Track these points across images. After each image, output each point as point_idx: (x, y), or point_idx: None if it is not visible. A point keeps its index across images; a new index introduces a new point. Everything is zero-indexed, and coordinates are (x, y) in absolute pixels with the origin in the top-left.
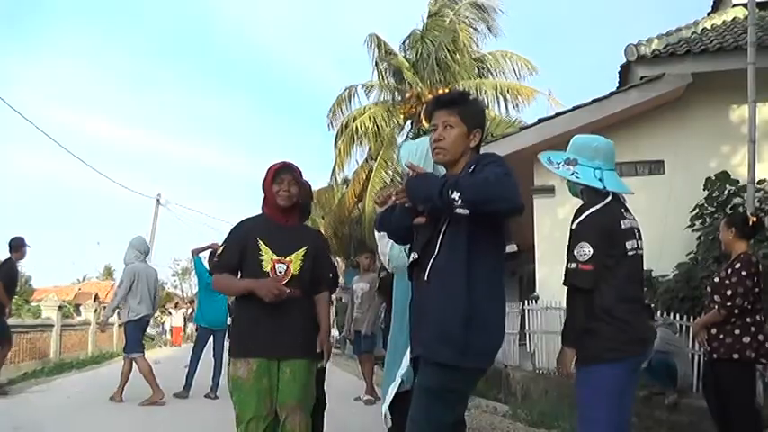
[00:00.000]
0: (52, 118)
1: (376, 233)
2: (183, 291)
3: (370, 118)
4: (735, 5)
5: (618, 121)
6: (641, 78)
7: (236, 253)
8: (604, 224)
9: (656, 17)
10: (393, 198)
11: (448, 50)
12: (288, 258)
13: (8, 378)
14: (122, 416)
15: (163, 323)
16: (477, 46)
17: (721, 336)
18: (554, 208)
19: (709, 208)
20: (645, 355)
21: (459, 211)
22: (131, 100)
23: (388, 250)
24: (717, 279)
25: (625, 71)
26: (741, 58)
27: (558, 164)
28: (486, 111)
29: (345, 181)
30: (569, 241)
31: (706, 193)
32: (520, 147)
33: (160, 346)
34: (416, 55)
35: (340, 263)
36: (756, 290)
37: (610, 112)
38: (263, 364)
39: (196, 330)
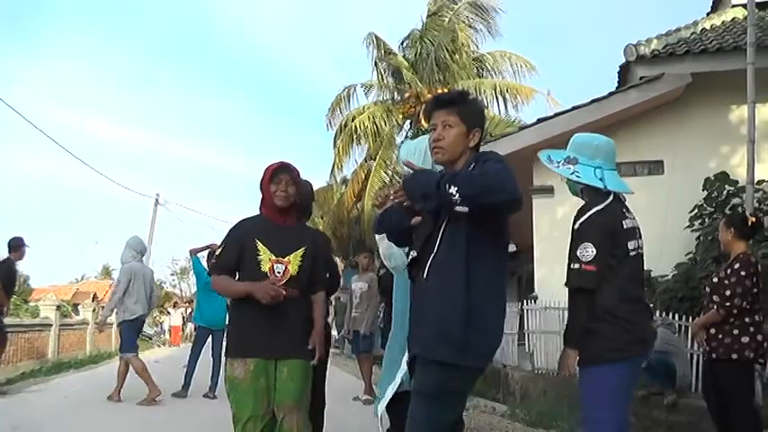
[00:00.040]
0: (52, 118)
1: (376, 236)
2: (181, 290)
3: (369, 117)
4: (734, 6)
5: (617, 122)
6: (640, 78)
7: (234, 253)
8: (607, 224)
9: (656, 17)
10: (391, 197)
11: (447, 50)
12: (286, 259)
13: (6, 378)
14: (120, 415)
15: (161, 323)
16: (477, 46)
17: (720, 336)
18: (553, 208)
19: (708, 208)
20: (646, 355)
21: (458, 208)
22: (131, 100)
23: (389, 251)
24: (716, 279)
25: (624, 71)
26: (740, 59)
27: (559, 162)
28: (486, 110)
29: (344, 180)
30: (571, 242)
31: (705, 193)
32: (519, 146)
33: (159, 346)
34: (416, 55)
35: (339, 263)
36: (755, 290)
37: (609, 112)
38: (261, 364)
39: (195, 330)
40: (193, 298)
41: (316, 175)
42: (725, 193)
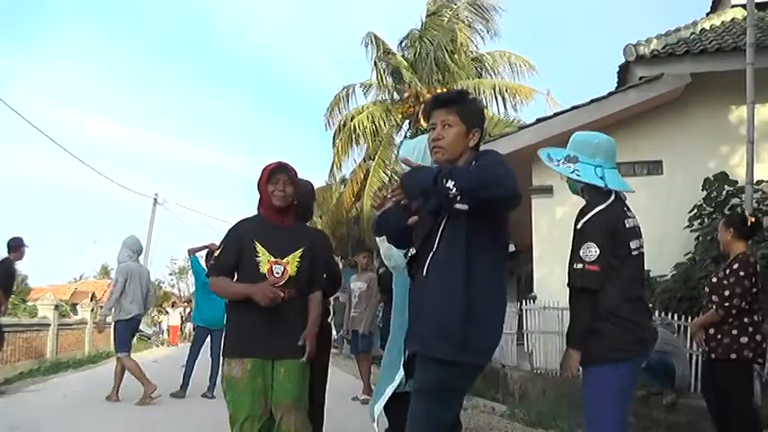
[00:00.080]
0: (52, 118)
1: (377, 238)
2: (180, 290)
3: (368, 117)
4: (734, 6)
5: (616, 122)
6: (640, 78)
7: (233, 255)
8: (609, 224)
9: (656, 17)
10: (388, 195)
11: (446, 50)
12: (285, 260)
13: (4, 377)
14: (119, 415)
15: (160, 323)
16: (476, 46)
17: (719, 336)
18: (552, 208)
19: (707, 208)
20: (647, 355)
21: (458, 206)
22: (131, 100)
23: (389, 251)
24: (715, 279)
25: (624, 71)
26: (740, 59)
27: (559, 161)
28: (485, 110)
29: (343, 180)
30: (574, 242)
31: (704, 193)
32: (518, 146)
33: (157, 346)
34: (415, 54)
35: (338, 262)
36: (754, 290)
37: (608, 112)
38: (258, 364)
39: (194, 330)
40: (192, 298)
41: (315, 175)
42: (724, 193)
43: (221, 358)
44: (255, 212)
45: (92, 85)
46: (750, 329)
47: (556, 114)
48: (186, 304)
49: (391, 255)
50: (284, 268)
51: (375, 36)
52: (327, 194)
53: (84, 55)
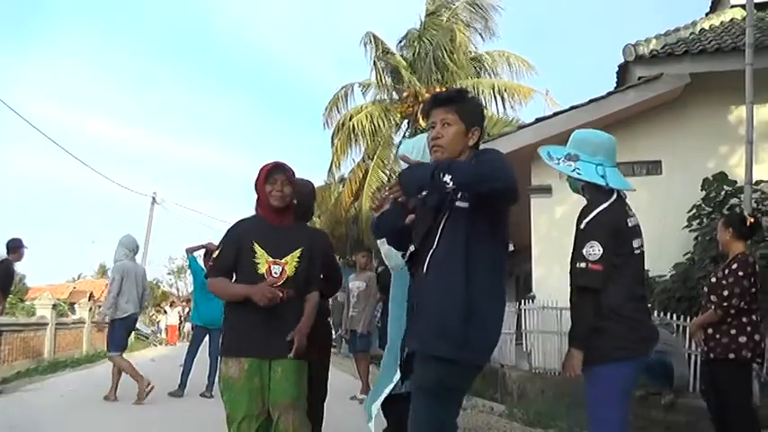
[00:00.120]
0: (52, 118)
1: (377, 240)
2: (178, 289)
3: (367, 117)
4: (733, 6)
5: (615, 121)
6: (639, 78)
7: (231, 255)
8: (612, 223)
9: (656, 17)
10: (386, 193)
11: (445, 50)
12: (283, 260)
13: (2, 377)
14: (117, 415)
15: (158, 322)
16: (475, 45)
17: (718, 336)
18: (551, 207)
19: (706, 208)
20: (649, 354)
21: (458, 204)
22: (131, 100)
23: (390, 252)
24: (714, 279)
25: (623, 71)
26: (739, 59)
27: (559, 159)
28: (484, 110)
29: (342, 180)
30: (576, 241)
31: (703, 193)
32: (517, 146)
33: (155, 345)
34: (414, 54)
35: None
36: (753, 290)
37: (607, 112)
38: (255, 364)
39: (192, 329)
40: (190, 297)
41: (314, 175)
42: (723, 193)
43: (219, 358)
44: (253, 213)
45: (92, 85)
46: (749, 329)
47: (555, 114)
48: (185, 304)
49: (390, 255)
50: (282, 268)
51: (374, 36)
52: (326, 194)
53: (84, 55)
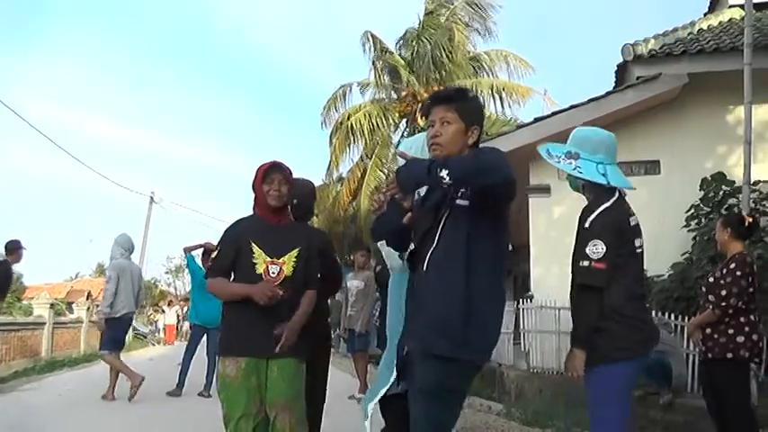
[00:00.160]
0: (52, 118)
1: (378, 243)
2: (176, 288)
3: (365, 116)
4: (731, 6)
5: (614, 121)
6: (638, 78)
7: (230, 256)
8: (615, 222)
9: (655, 17)
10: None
11: (444, 49)
12: (281, 260)
13: None
14: (115, 414)
15: (156, 321)
16: (473, 45)
17: (716, 335)
18: (549, 207)
19: (704, 208)
20: (649, 354)
21: (459, 202)
22: (131, 100)
23: (390, 253)
24: (711, 279)
25: (622, 71)
26: (737, 59)
27: (559, 157)
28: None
29: (340, 179)
30: (579, 239)
31: (702, 193)
32: (516, 145)
33: (153, 344)
34: (412, 53)
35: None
36: (751, 290)
37: (606, 112)
38: (252, 363)
39: (190, 328)
40: (188, 296)
41: (313, 174)
42: (721, 193)
43: (217, 357)
44: (251, 212)
45: (92, 85)
46: (746, 329)
47: (553, 113)
48: (183, 303)
49: (392, 255)
50: (280, 268)
51: (372, 35)
52: (324, 193)
53: (84, 55)
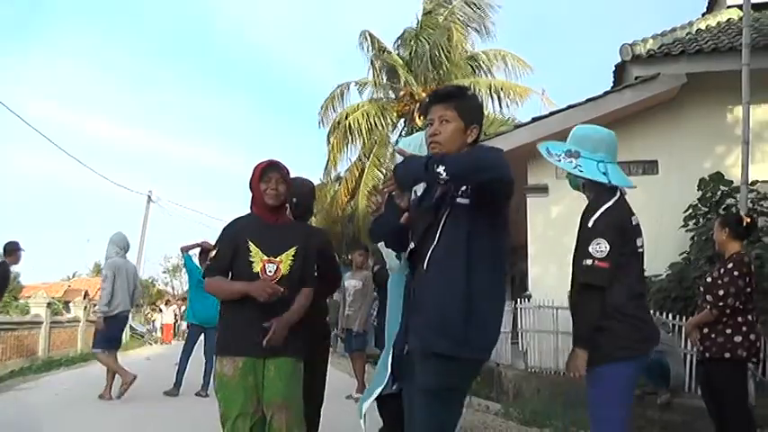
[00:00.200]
0: (52, 118)
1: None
2: (173, 288)
3: (363, 115)
4: (729, 6)
5: (612, 121)
6: (636, 78)
7: (228, 255)
8: (618, 221)
9: (653, 17)
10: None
11: (442, 49)
12: (278, 258)
13: None
14: (112, 413)
15: (153, 321)
16: (471, 45)
17: (713, 335)
18: (547, 207)
19: (702, 208)
20: (650, 354)
21: (459, 200)
22: (131, 100)
23: (390, 253)
24: (709, 279)
25: (620, 71)
26: (736, 59)
27: (559, 156)
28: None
29: (338, 178)
30: (581, 238)
31: (700, 193)
32: (514, 145)
33: (150, 344)
34: (410, 53)
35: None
36: (748, 290)
37: (604, 112)
38: (249, 362)
39: (188, 328)
40: (186, 295)
41: (313, 174)
42: (719, 193)
43: (215, 356)
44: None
45: (92, 85)
46: (744, 329)
47: (551, 113)
48: (180, 302)
49: (390, 255)
50: (277, 267)
51: (370, 34)
52: (322, 193)
53: (84, 55)
